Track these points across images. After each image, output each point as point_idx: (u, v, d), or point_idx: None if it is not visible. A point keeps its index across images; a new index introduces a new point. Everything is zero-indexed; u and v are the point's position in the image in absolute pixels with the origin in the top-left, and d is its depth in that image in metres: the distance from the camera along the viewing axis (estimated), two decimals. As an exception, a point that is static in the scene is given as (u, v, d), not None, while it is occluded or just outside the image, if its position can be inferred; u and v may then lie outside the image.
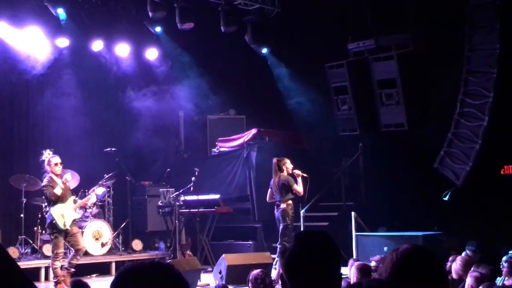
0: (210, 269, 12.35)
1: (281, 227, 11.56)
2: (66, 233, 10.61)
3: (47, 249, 12.51)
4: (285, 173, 11.69)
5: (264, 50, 15.84)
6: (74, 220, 10.76)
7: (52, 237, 10.72)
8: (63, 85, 14.54)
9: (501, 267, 8.50)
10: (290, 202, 11.66)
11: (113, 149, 13.35)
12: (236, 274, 10.20)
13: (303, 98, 15.71)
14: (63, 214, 10.54)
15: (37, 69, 13.85)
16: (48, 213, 10.78)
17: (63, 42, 13.85)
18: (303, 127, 15.86)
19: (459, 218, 13.45)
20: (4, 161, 14.16)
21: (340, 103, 15.20)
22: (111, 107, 15.12)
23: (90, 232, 12.83)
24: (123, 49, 14.86)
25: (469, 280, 6.76)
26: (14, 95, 14.45)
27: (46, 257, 12.41)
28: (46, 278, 12.26)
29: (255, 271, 7.74)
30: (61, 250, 10.66)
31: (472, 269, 7.80)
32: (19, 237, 12.79)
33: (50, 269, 10.86)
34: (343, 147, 15.46)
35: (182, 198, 13.03)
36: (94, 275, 12.11)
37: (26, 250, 12.90)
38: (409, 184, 14.23)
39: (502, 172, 14.13)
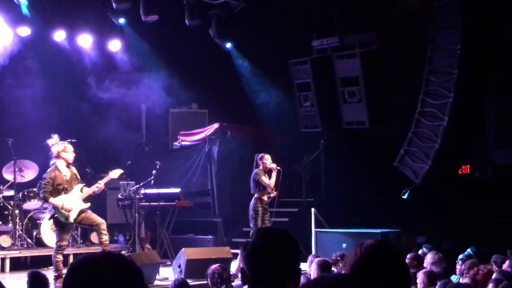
0: (169, 263, 12.30)
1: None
2: (77, 222, 10.20)
3: (3, 240, 12.37)
4: (260, 167, 12.02)
5: (228, 45, 15.85)
6: (81, 211, 10.10)
7: (56, 228, 10.14)
8: (23, 74, 14.33)
9: (456, 265, 8.64)
10: (258, 195, 11.99)
11: (73, 140, 13.18)
12: (195, 268, 10.17)
13: (266, 94, 15.76)
14: (68, 208, 9.94)
15: (-3, 57, 13.65)
16: (49, 206, 10.33)
17: (25, 31, 13.63)
18: (265, 123, 15.90)
19: (417, 216, 13.64)
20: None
21: (302, 100, 15.27)
22: (72, 98, 14.95)
23: (48, 223, 12.65)
24: (85, 40, 14.68)
25: (421, 278, 6.83)
26: (-27, 84, 14.23)
27: (3, 248, 12.26)
28: (2, 270, 12.10)
29: (213, 266, 7.75)
30: (66, 243, 10.06)
31: (428, 267, 7.91)
32: (-25, 227, 12.62)
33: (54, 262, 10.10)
34: (305, 143, 15.54)
35: (142, 191, 12.94)
36: (51, 267, 11.97)
37: (-18, 241, 12.72)
38: (369, 182, 14.37)
39: (460, 172, 14.37)
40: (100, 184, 10.51)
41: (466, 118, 13.46)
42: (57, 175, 10.04)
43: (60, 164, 10.12)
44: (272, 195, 12.22)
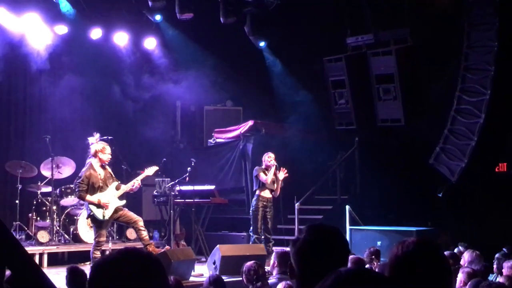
0: (204, 259, 12.38)
1: None
2: (113, 218, 10.38)
3: (41, 236, 12.53)
4: (263, 165, 12.66)
5: (262, 43, 15.88)
6: (118, 209, 10.28)
7: (94, 225, 10.37)
8: (60, 72, 14.51)
9: (493, 263, 8.56)
10: (258, 192, 12.52)
11: (109, 137, 13.31)
12: (230, 265, 10.22)
13: (301, 91, 15.74)
14: (105, 202, 10.11)
15: (35, 55, 13.82)
16: (86, 205, 10.42)
17: (62, 29, 13.82)
18: (300, 120, 15.88)
19: (452, 214, 13.52)
20: (0, 147, 14.14)
21: (337, 97, 15.21)
22: (108, 95, 15.11)
23: (84, 220, 12.81)
24: (121, 38, 14.83)
25: (461, 276, 6.77)
26: (11, 81, 14.41)
27: (41, 244, 12.43)
28: (40, 265, 12.26)
29: (249, 263, 7.77)
30: (104, 239, 10.29)
31: (465, 265, 7.84)
32: (14, 223, 12.77)
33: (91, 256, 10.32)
34: (340, 140, 15.50)
35: (177, 188, 13.03)
36: (88, 262, 12.13)
37: (21, 237, 12.89)
38: (404, 179, 14.29)
39: (496, 170, 14.22)
40: (138, 181, 10.62)
41: (503, 116, 13.32)
42: (91, 173, 10.17)
43: (95, 163, 10.25)
44: (276, 192, 12.63)
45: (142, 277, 2.02)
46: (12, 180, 13.31)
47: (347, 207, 12.95)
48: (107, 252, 12.89)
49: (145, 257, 2.07)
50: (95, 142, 10.34)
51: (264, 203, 12.37)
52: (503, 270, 7.73)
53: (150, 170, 11.03)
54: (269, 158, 12.58)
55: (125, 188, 10.51)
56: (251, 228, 12.48)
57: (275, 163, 12.51)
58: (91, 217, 10.24)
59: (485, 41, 13.00)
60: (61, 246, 12.89)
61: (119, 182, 10.64)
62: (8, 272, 2.76)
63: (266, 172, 12.52)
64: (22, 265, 2.65)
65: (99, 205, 10.13)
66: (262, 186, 12.45)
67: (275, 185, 12.52)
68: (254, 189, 12.68)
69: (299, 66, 15.86)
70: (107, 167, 10.45)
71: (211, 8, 14.46)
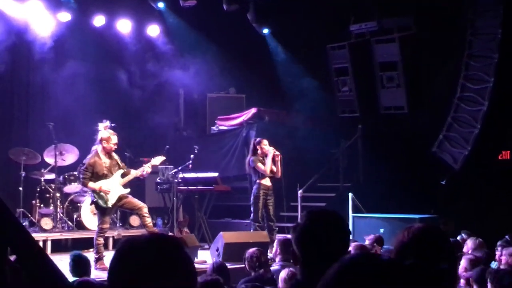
0: (207, 246, 12.39)
1: None
2: (117, 206, 10.40)
3: (45, 223, 12.56)
4: (259, 152, 11.97)
5: (266, 30, 15.85)
6: (122, 197, 10.25)
7: (98, 212, 10.38)
8: (63, 59, 14.49)
9: (495, 251, 8.56)
10: (259, 180, 11.97)
11: (112, 124, 13.32)
12: (233, 251, 10.25)
13: (304, 79, 15.72)
14: (106, 190, 10.07)
15: (37, 42, 13.82)
16: (90, 192, 10.44)
17: (65, 16, 13.83)
18: (303, 107, 15.86)
19: (455, 201, 13.52)
20: (4, 134, 14.14)
21: (340, 85, 15.20)
22: (111, 82, 15.08)
23: (88, 206, 12.83)
24: (124, 25, 14.83)
25: (463, 263, 6.79)
26: (14, 68, 14.41)
27: (44, 231, 12.46)
28: (44, 252, 12.27)
29: (251, 250, 7.80)
30: (107, 226, 10.30)
31: (469, 251, 7.86)
32: (17, 210, 12.78)
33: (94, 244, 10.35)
34: (343, 128, 15.49)
35: (180, 175, 13.02)
36: (92, 249, 12.17)
37: (24, 223, 12.87)
38: (407, 167, 14.28)
39: (499, 157, 14.20)
40: (148, 168, 10.59)
41: (507, 103, 13.30)
42: (96, 161, 10.14)
43: (100, 150, 10.23)
44: (277, 174, 12.07)
45: (168, 265, 1.99)
46: (16, 167, 13.32)
47: (350, 194, 12.96)
48: (111, 239, 12.95)
49: (174, 245, 2.03)
50: (103, 129, 10.31)
51: (265, 191, 12.01)
52: (502, 258, 7.73)
53: (157, 160, 11.02)
54: (264, 145, 11.93)
55: (135, 173, 10.49)
56: (252, 216, 12.11)
57: (277, 152, 11.92)
58: (95, 203, 10.25)
59: (489, 28, 12.98)
60: (65, 233, 12.93)
61: (124, 170, 10.57)
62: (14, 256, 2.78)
63: (263, 160, 11.97)
64: (27, 249, 2.66)
65: (101, 192, 10.13)
66: (262, 174, 12.07)
67: (275, 169, 12.09)
68: (253, 179, 12.26)
69: (303, 53, 15.81)
70: (114, 154, 10.42)
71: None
